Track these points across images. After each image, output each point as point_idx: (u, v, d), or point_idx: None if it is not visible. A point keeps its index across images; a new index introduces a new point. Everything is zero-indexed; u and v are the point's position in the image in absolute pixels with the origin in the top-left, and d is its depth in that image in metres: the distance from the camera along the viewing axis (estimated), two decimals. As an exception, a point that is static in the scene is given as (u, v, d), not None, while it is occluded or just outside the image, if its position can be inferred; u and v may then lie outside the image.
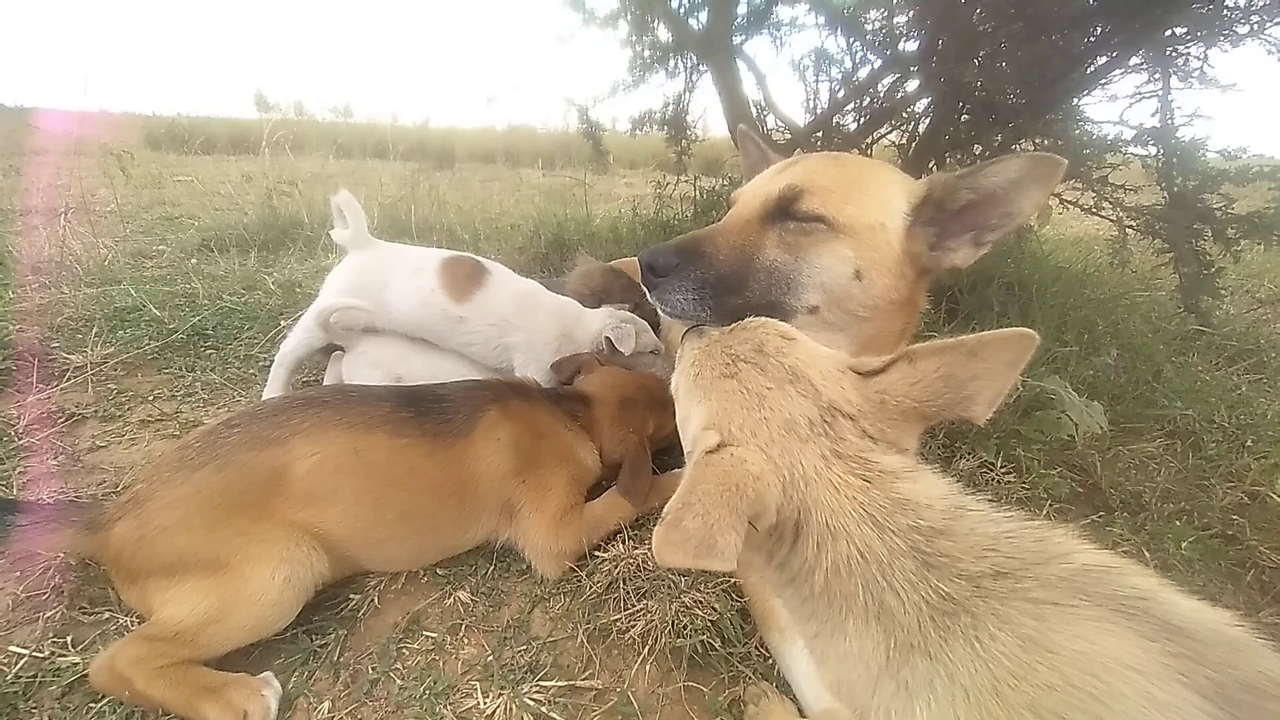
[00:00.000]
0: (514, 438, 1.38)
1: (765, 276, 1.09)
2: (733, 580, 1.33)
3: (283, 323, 2.32)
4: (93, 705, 1.03)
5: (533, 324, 1.84)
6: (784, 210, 1.10)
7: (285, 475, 1.16)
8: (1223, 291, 2.51)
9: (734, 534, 0.58)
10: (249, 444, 1.16)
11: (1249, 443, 1.91)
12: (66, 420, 1.76)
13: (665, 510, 0.60)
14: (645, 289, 1.14)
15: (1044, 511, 1.61)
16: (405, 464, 1.26)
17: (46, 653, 1.11)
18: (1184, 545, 1.50)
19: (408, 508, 1.27)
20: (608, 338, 1.85)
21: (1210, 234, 2.32)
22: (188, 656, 1.04)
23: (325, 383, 1.90)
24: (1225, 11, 2.29)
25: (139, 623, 1.18)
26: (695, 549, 0.57)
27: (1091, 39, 2.44)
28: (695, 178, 3.78)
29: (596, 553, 1.39)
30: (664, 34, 3.00)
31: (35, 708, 1.03)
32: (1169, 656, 0.50)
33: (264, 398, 1.83)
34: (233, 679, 1.05)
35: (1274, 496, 1.67)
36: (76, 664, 1.08)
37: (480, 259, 1.91)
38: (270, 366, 1.82)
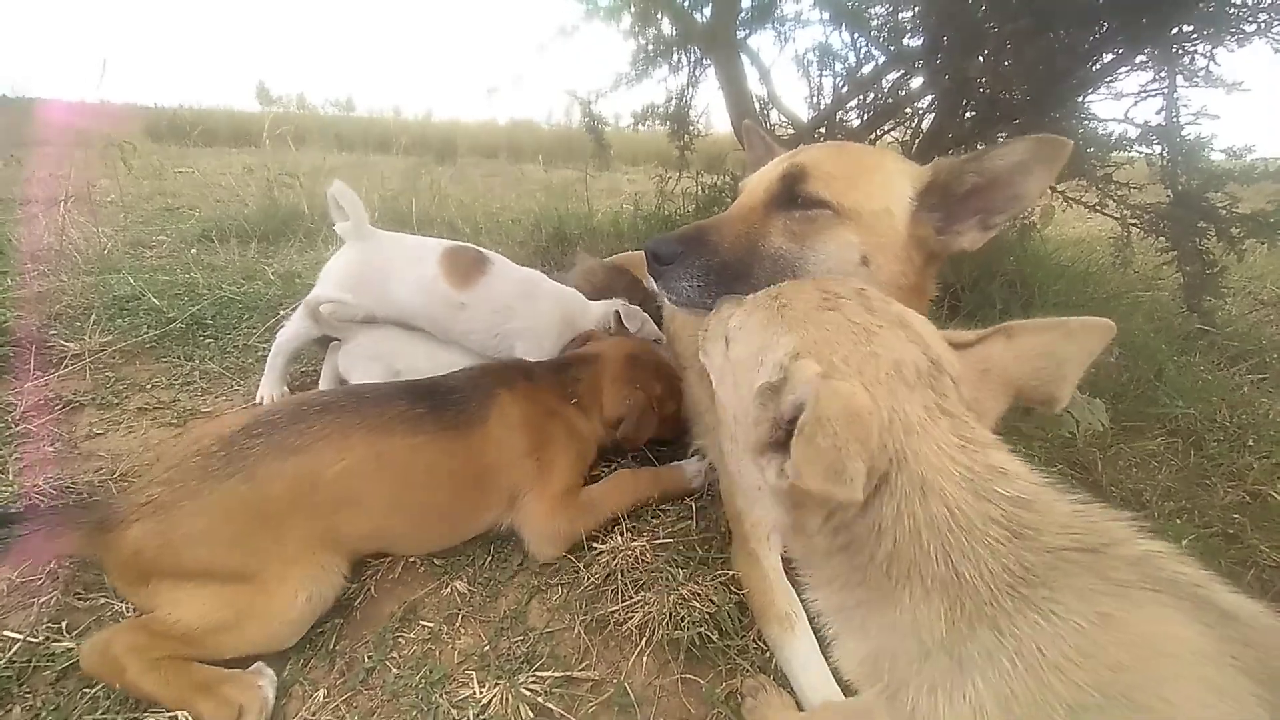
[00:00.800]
0: (525, 417, 1.41)
1: (771, 264, 1.09)
2: (731, 573, 1.32)
3: (281, 313, 2.31)
4: (86, 690, 1.02)
5: (535, 311, 1.85)
6: (788, 194, 1.09)
7: (312, 483, 1.15)
8: (1226, 291, 2.50)
9: (861, 463, 0.54)
10: (274, 454, 1.14)
11: (1250, 442, 1.91)
12: (64, 407, 1.75)
13: (799, 424, 0.56)
14: (651, 278, 1.14)
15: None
16: (425, 460, 1.28)
17: (41, 638, 1.10)
18: (1184, 543, 1.48)
19: (428, 501, 1.29)
20: (617, 312, 1.89)
21: (1214, 233, 2.31)
22: (188, 655, 1.03)
23: (323, 374, 1.90)
24: (1232, 9, 2.27)
25: (137, 613, 1.17)
26: (824, 471, 0.54)
27: (1097, 36, 2.43)
28: (697, 173, 3.77)
29: (594, 544, 1.38)
30: (668, 27, 2.99)
31: (29, 693, 1.03)
32: (1224, 641, 0.50)
33: (262, 387, 1.83)
34: (226, 675, 1.04)
35: (1275, 496, 1.67)
36: (71, 650, 1.08)
37: (480, 249, 1.91)
38: (268, 356, 1.83)
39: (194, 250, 3.18)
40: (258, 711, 1.01)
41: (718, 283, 1.07)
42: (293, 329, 1.81)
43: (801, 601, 1.21)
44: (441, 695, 1.07)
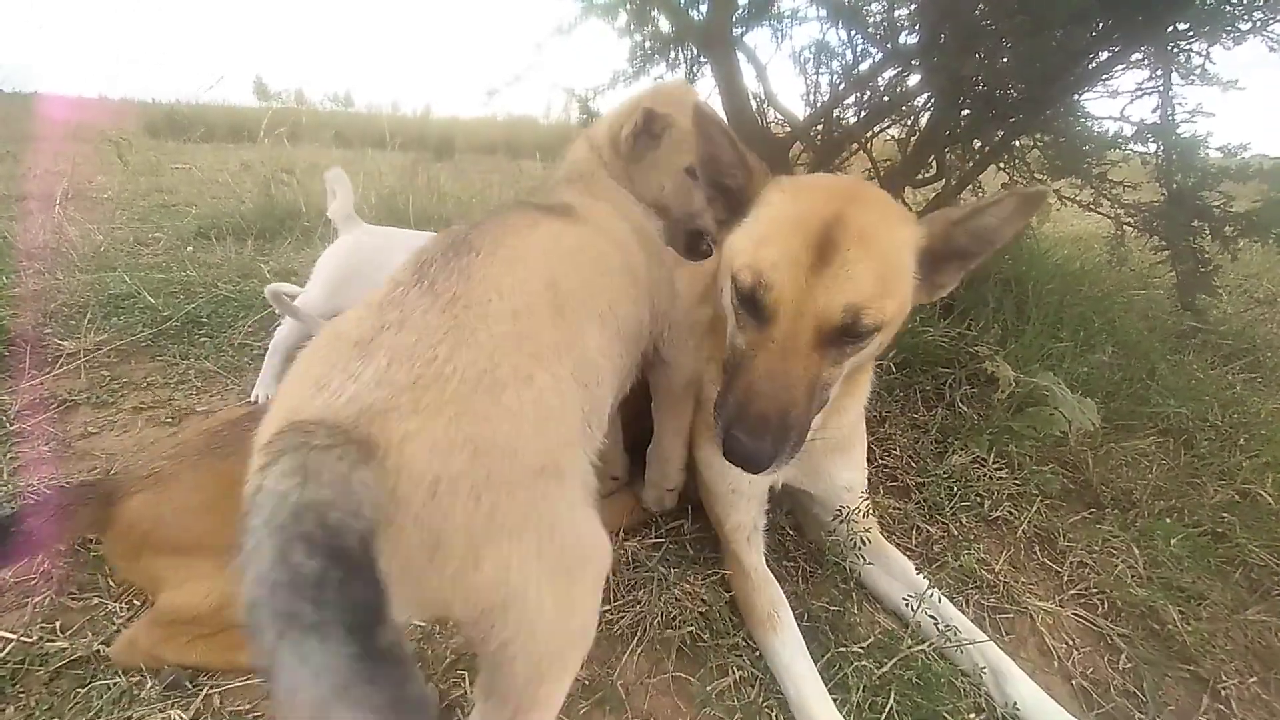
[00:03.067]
0: None
1: (820, 392, 1.03)
2: (722, 573, 1.33)
3: (278, 311, 2.31)
4: (79, 690, 1.03)
5: None
6: (844, 334, 0.99)
7: None
8: (1219, 290, 2.50)
9: None
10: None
11: (1242, 441, 1.92)
12: (59, 406, 1.75)
13: None
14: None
15: (1034, 507, 1.61)
16: None
17: (35, 638, 1.11)
18: (1173, 542, 1.50)
19: None
20: None
21: (1208, 232, 2.31)
22: (210, 631, 1.06)
23: None
24: (1228, 7, 2.27)
25: (129, 606, 1.18)
26: None
27: (1093, 33, 2.42)
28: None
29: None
30: (664, 25, 2.97)
31: (23, 692, 1.04)
32: None
33: (258, 386, 1.83)
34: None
35: (1265, 495, 1.68)
36: (65, 649, 1.09)
37: None
38: (265, 354, 1.84)
39: (190, 248, 3.18)
40: None
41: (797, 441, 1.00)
42: (289, 327, 1.83)
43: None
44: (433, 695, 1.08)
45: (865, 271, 0.95)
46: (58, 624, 1.14)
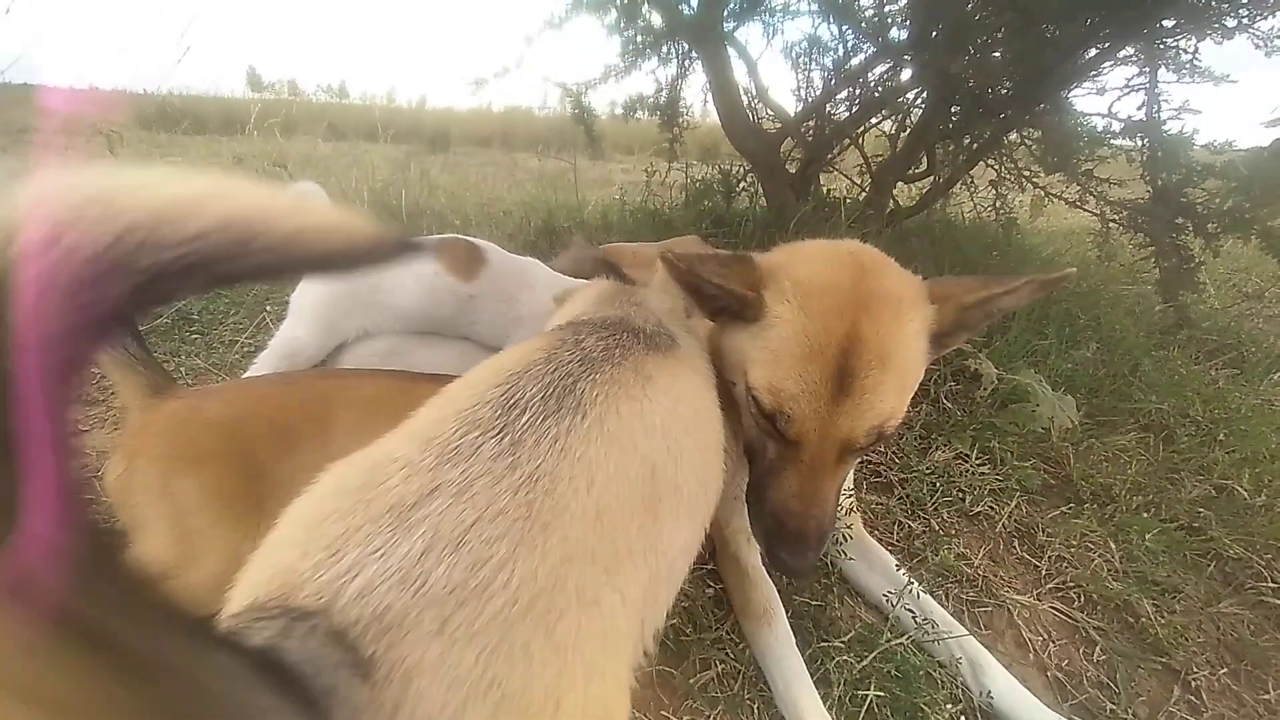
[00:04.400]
0: None
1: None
2: (707, 567, 1.36)
3: (268, 308, 2.31)
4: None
5: (535, 300, 1.81)
6: (869, 446, 1.02)
7: (337, 397, 1.16)
8: (1203, 285, 2.53)
9: None
10: (320, 375, 1.33)
11: (1221, 436, 1.95)
12: (50, 404, 1.76)
13: None
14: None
15: (1014, 502, 1.64)
16: None
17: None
18: (1149, 537, 1.53)
19: None
20: None
21: (1191, 229, 2.33)
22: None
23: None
24: (1215, 3, 2.28)
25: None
26: None
27: (1083, 30, 2.44)
28: (687, 165, 3.77)
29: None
30: (655, 20, 2.97)
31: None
32: None
33: None
34: None
35: (1241, 490, 1.71)
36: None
37: (468, 238, 1.88)
38: (255, 353, 1.80)
39: (181, 243, 3.17)
40: None
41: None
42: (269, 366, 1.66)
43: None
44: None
45: (886, 391, 0.95)
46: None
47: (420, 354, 1.76)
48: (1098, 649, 1.33)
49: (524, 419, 0.64)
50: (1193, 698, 1.27)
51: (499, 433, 0.61)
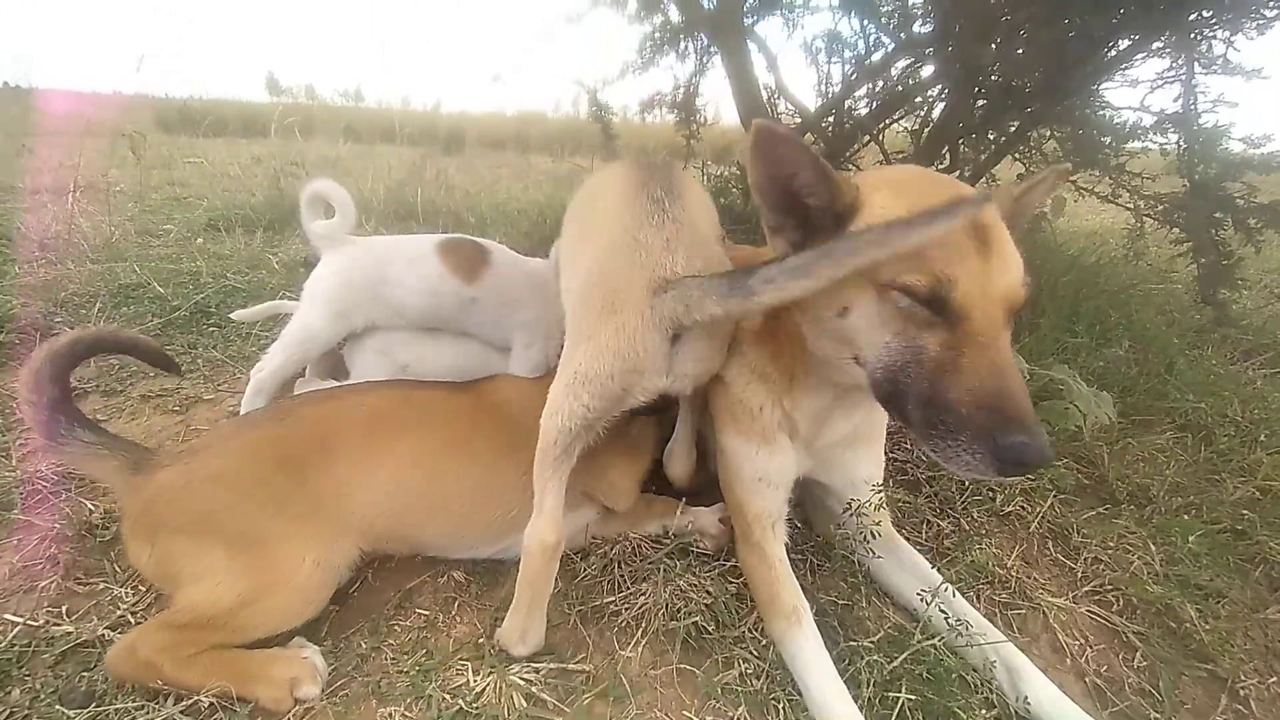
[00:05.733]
0: None
1: None
2: (729, 563, 1.32)
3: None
4: (85, 674, 1.03)
5: (544, 304, 1.79)
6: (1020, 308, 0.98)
7: (336, 423, 1.19)
8: (1241, 283, 2.45)
9: None
10: (311, 401, 1.25)
11: (1262, 437, 1.87)
12: (68, 394, 1.76)
13: None
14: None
15: (1049, 503, 1.58)
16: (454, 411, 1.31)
17: (41, 621, 1.11)
18: (1191, 539, 1.47)
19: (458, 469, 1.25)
20: None
21: (1231, 224, 2.26)
22: (215, 643, 1.01)
23: (307, 376, 1.81)
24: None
25: (134, 591, 1.17)
26: None
27: (1113, 22, 2.37)
28: (704, 163, 3.73)
29: (591, 536, 1.38)
30: (674, 14, 2.95)
31: (28, 675, 1.03)
32: None
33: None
34: (268, 655, 1.03)
35: (1287, 492, 1.64)
36: (70, 633, 1.09)
37: (474, 238, 1.86)
38: (271, 344, 1.73)
39: (200, 239, 3.20)
40: (311, 677, 1.02)
41: None
42: (280, 359, 1.65)
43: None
44: (435, 683, 1.07)
45: (1013, 246, 0.94)
46: (64, 608, 1.14)
47: (424, 348, 1.76)
48: (1138, 655, 1.27)
49: None
50: (1240, 707, 1.20)
51: None
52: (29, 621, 1.11)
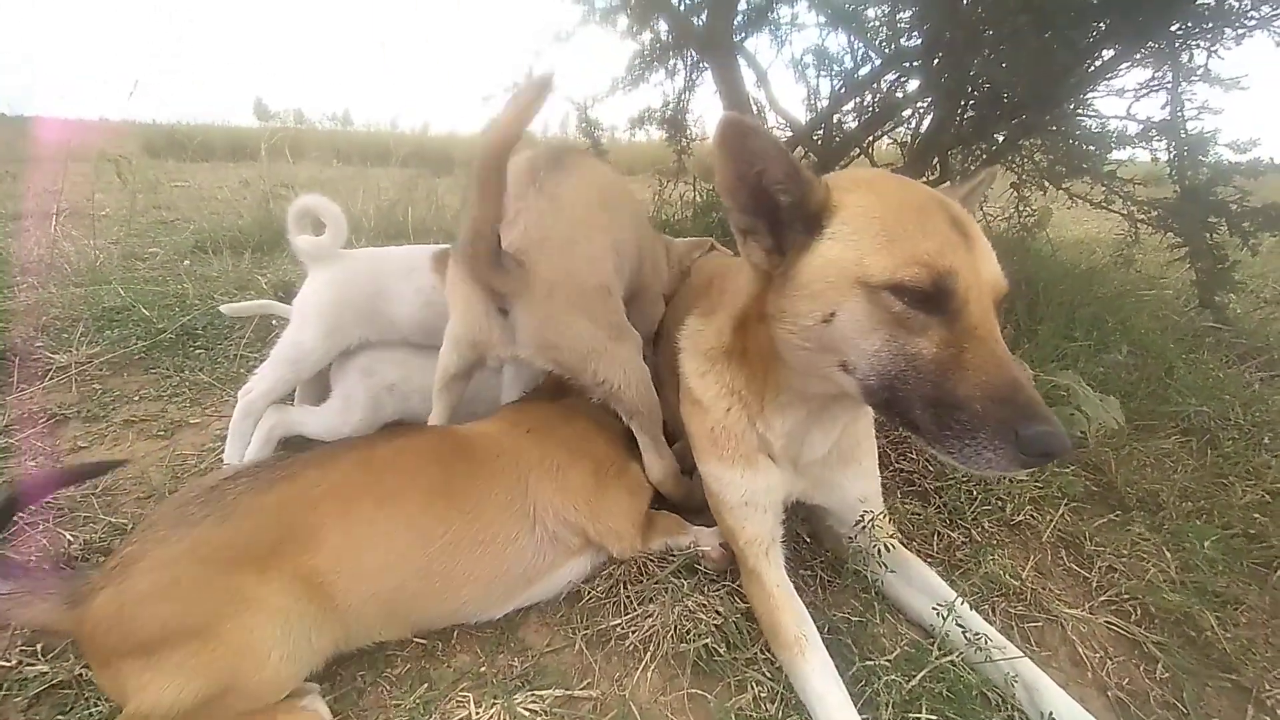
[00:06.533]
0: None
1: None
2: (738, 582, 1.27)
3: (274, 322, 2.26)
4: (60, 717, 0.97)
5: None
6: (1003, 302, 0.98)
7: (295, 509, 1.02)
8: (1242, 285, 2.45)
9: None
10: (257, 488, 1.02)
11: (1266, 440, 1.86)
12: (49, 420, 1.70)
13: None
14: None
15: (1059, 511, 1.55)
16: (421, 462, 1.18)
17: (14, 661, 1.05)
18: (1206, 545, 1.44)
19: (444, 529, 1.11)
20: None
21: (1225, 227, 2.27)
22: None
23: (298, 391, 1.77)
24: (1234, 3, 2.25)
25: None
26: None
27: (1097, 33, 2.41)
28: (694, 178, 3.75)
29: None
30: (664, 30, 2.97)
31: (2, 717, 0.97)
32: None
33: (229, 454, 1.59)
34: (263, 713, 0.95)
35: (1296, 495, 1.62)
36: (45, 673, 1.03)
37: None
38: (260, 364, 1.67)
39: (186, 262, 3.15)
40: None
41: None
42: (271, 380, 1.60)
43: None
44: (436, 715, 1.02)
45: (987, 241, 0.94)
46: (38, 647, 1.08)
47: (413, 366, 1.68)
48: (1160, 666, 1.24)
49: None
50: (1267, 717, 1.17)
51: None
52: (2, 661, 1.05)
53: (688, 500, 1.46)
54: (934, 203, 0.93)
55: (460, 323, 1.28)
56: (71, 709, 0.98)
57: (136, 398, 1.85)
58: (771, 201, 0.95)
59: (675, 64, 3.14)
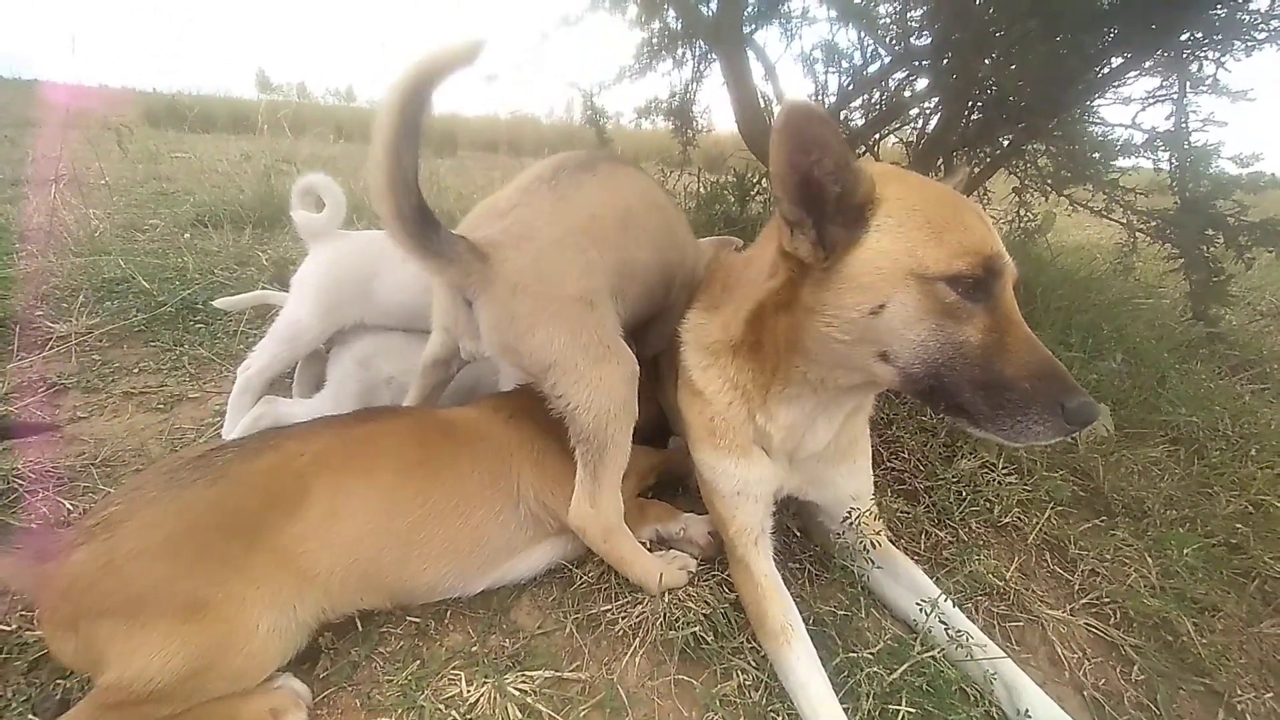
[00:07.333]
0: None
1: None
2: (727, 572, 1.30)
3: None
4: (59, 682, 0.99)
5: None
6: None
7: (282, 477, 1.02)
8: (1235, 299, 2.48)
9: None
10: (245, 456, 1.02)
11: (1253, 452, 1.89)
12: (48, 390, 1.71)
13: None
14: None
15: (1045, 515, 1.58)
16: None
17: (13, 626, 1.07)
18: (1187, 552, 1.47)
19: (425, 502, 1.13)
20: None
21: (1222, 241, 2.29)
22: (167, 714, 0.90)
23: (297, 378, 1.77)
24: (1244, 16, 2.25)
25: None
26: None
27: (1106, 40, 2.41)
28: (699, 169, 3.74)
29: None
30: (673, 19, 2.95)
31: (1, 682, 0.99)
32: None
33: (226, 434, 1.60)
34: (239, 699, 0.95)
35: (1279, 507, 1.65)
36: (43, 639, 1.04)
37: None
38: (258, 343, 1.65)
39: (187, 235, 3.14)
40: (294, 704, 0.97)
41: None
42: (268, 355, 1.61)
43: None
44: (428, 693, 1.04)
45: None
46: (36, 614, 1.09)
47: (400, 362, 1.66)
48: (1136, 668, 1.27)
49: None
50: (1237, 722, 1.20)
51: None
52: (1, 626, 1.06)
53: (617, 563, 1.27)
54: (955, 194, 0.99)
55: (436, 306, 1.29)
56: (71, 673, 0.99)
57: (136, 370, 1.86)
58: (818, 192, 0.94)
59: (683, 54, 3.12)
